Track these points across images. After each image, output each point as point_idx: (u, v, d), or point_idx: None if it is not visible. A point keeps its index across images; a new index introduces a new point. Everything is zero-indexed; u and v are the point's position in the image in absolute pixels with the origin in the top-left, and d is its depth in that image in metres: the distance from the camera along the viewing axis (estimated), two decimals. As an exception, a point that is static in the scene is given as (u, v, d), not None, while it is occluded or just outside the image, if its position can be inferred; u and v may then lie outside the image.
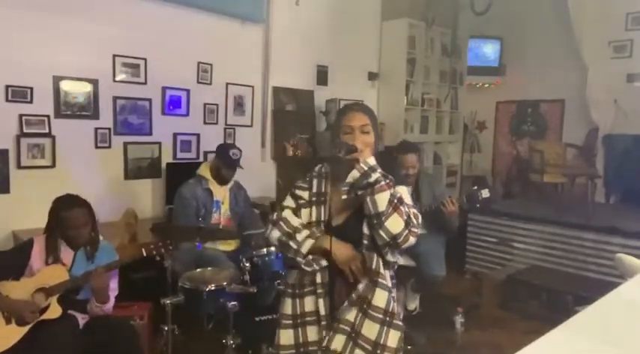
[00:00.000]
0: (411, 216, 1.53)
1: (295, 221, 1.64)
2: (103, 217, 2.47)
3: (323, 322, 1.60)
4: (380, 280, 1.56)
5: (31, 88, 3.16)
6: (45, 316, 2.10)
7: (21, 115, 3.14)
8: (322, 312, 1.60)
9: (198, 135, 4.05)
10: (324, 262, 1.58)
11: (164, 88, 3.81)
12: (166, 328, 2.54)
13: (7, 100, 3.08)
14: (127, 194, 3.63)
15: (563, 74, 5.47)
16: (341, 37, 5.02)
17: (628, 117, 4.99)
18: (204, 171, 3.14)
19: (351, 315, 1.58)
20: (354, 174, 1.49)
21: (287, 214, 1.67)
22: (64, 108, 3.32)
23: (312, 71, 4.88)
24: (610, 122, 5.13)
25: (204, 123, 4.10)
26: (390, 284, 1.61)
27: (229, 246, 3.13)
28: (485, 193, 3.08)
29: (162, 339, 2.63)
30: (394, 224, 1.48)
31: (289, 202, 1.70)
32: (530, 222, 4.27)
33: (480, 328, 3.45)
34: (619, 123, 5.07)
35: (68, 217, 2.23)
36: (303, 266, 1.59)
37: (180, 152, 3.95)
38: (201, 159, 4.01)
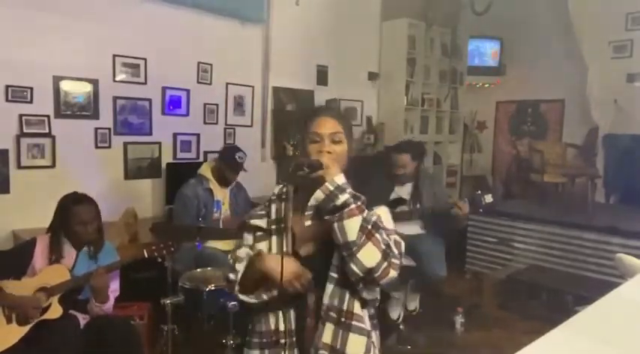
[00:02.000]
0: (391, 244, 1.26)
1: (243, 252, 1.37)
2: (103, 217, 2.46)
3: None
4: (355, 322, 1.29)
5: (31, 88, 3.16)
6: (46, 316, 2.10)
7: (21, 115, 3.14)
8: None
9: (198, 135, 4.05)
10: (264, 295, 1.31)
11: (164, 88, 3.81)
12: (166, 328, 2.55)
13: (7, 100, 3.08)
14: (127, 194, 3.63)
15: (563, 74, 5.47)
16: (341, 37, 5.01)
17: (628, 117, 5.00)
18: (205, 171, 3.14)
19: None
20: (319, 195, 1.24)
21: (240, 253, 1.39)
22: (64, 108, 3.32)
23: (312, 71, 4.87)
24: (610, 122, 5.13)
25: (204, 123, 4.10)
26: (368, 326, 1.33)
27: (229, 246, 3.13)
28: (488, 198, 3.10)
29: (162, 339, 2.63)
30: (369, 256, 1.21)
31: (246, 239, 1.42)
32: (530, 222, 4.27)
33: (480, 328, 3.45)
34: (619, 123, 5.07)
35: (77, 213, 2.24)
36: (241, 297, 1.34)
37: (180, 152, 3.95)
38: (201, 159, 4.01)
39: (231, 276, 1.36)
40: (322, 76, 4.94)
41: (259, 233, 1.40)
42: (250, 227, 1.42)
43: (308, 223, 1.29)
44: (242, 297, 1.34)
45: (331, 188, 1.24)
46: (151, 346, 2.68)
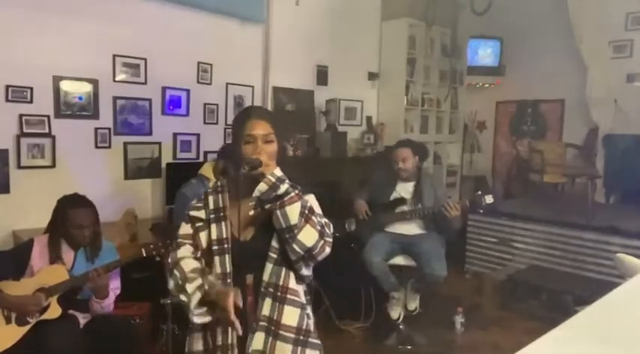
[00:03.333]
0: (324, 225, 1.46)
1: (189, 266, 1.47)
2: (103, 217, 2.46)
3: None
4: (289, 296, 1.46)
5: (31, 88, 3.16)
6: (45, 316, 2.11)
7: (21, 115, 3.14)
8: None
9: (198, 135, 4.05)
10: (209, 318, 1.43)
11: (164, 88, 3.81)
12: (166, 328, 2.55)
13: (7, 100, 3.08)
14: (127, 194, 3.63)
15: (563, 74, 5.46)
16: (341, 37, 5.02)
17: (628, 117, 4.99)
18: (206, 171, 3.13)
19: (260, 342, 1.44)
20: (262, 187, 1.39)
21: (182, 254, 1.50)
22: (64, 108, 3.32)
23: (312, 71, 4.87)
24: (610, 122, 5.13)
25: (204, 123, 4.10)
26: (303, 300, 1.51)
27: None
28: (488, 199, 3.12)
29: (162, 339, 2.63)
30: (308, 236, 1.40)
31: (185, 229, 1.54)
32: (530, 222, 4.27)
33: (480, 328, 3.45)
34: (619, 123, 5.06)
35: (74, 216, 2.24)
36: (194, 319, 1.44)
37: (180, 152, 3.95)
38: (201, 159, 4.01)
39: (183, 298, 1.44)
40: (322, 76, 4.94)
41: (199, 224, 1.53)
42: (190, 217, 1.55)
43: (251, 212, 1.47)
44: (197, 319, 1.44)
45: (273, 180, 1.40)
46: (151, 346, 2.69)
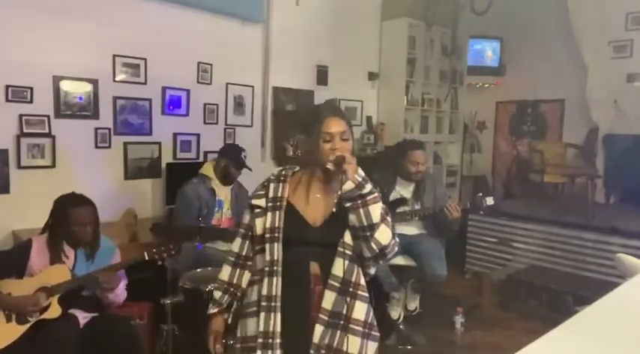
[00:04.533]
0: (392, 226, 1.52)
1: (223, 274, 1.66)
2: (103, 217, 2.46)
3: None
4: (360, 292, 1.51)
5: (31, 88, 3.16)
6: (45, 316, 2.11)
7: (21, 115, 3.14)
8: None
9: (198, 135, 4.05)
10: None
11: (164, 88, 3.81)
12: (166, 328, 2.55)
13: (7, 100, 3.08)
14: (127, 194, 3.63)
15: (563, 74, 5.47)
16: (341, 37, 5.02)
17: (628, 117, 4.99)
18: (207, 170, 3.14)
19: (326, 335, 1.47)
20: (349, 185, 1.41)
21: (235, 247, 1.65)
22: (64, 108, 3.32)
23: (312, 71, 4.87)
24: (610, 122, 5.13)
25: (204, 123, 4.10)
26: (368, 295, 1.54)
27: (229, 246, 3.12)
28: (489, 201, 3.13)
29: (162, 339, 2.63)
30: (384, 236, 1.45)
31: (245, 217, 1.64)
32: (530, 222, 4.27)
33: (480, 328, 3.45)
34: (619, 123, 5.06)
35: (76, 214, 2.24)
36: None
37: (180, 152, 3.95)
38: (201, 159, 4.01)
39: (212, 307, 1.68)
40: (322, 76, 4.94)
41: (257, 210, 1.57)
42: (251, 205, 1.60)
43: (334, 209, 1.47)
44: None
45: (359, 179, 1.43)
46: (151, 346, 2.68)
